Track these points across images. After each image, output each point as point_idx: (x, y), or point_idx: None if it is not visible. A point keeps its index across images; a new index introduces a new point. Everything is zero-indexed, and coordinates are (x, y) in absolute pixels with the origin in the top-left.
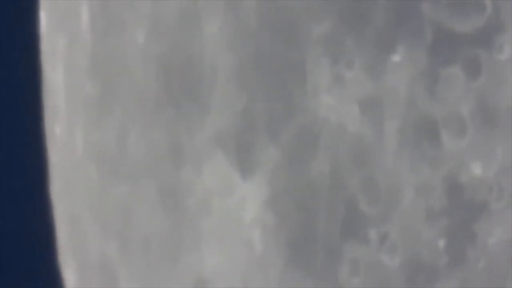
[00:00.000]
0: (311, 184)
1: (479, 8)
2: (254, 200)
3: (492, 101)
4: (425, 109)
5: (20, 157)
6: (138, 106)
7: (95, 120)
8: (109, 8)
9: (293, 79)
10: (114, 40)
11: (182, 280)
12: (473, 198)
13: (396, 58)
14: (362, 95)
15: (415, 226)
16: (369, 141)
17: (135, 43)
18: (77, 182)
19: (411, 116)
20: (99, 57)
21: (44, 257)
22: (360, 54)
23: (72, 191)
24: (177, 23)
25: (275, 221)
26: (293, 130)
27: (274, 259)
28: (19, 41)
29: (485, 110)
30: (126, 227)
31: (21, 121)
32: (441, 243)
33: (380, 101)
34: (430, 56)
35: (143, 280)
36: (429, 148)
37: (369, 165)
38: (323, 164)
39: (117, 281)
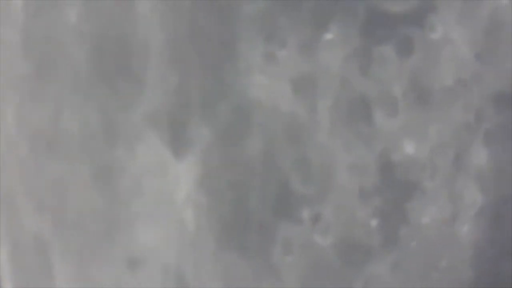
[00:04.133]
0: (244, 164)
1: None
2: (187, 179)
3: (425, 80)
4: (358, 88)
5: None
6: (71, 84)
7: (28, 98)
8: None
9: (226, 58)
10: (46, 19)
11: (116, 258)
12: (406, 177)
13: (329, 37)
14: (295, 74)
15: (348, 205)
16: (302, 120)
17: (67, 22)
18: (10, 160)
19: (344, 95)
20: (31, 36)
21: None
22: (293, 33)
23: (5, 169)
24: (109, 1)
25: (208, 200)
26: (226, 109)
27: (207, 238)
28: None
29: (418, 89)
30: (60, 205)
31: None
32: (374, 222)
33: (313, 80)
34: (363, 35)
35: (77, 257)
36: (362, 127)
37: (302, 144)
38: (256, 143)
39: (50, 258)
